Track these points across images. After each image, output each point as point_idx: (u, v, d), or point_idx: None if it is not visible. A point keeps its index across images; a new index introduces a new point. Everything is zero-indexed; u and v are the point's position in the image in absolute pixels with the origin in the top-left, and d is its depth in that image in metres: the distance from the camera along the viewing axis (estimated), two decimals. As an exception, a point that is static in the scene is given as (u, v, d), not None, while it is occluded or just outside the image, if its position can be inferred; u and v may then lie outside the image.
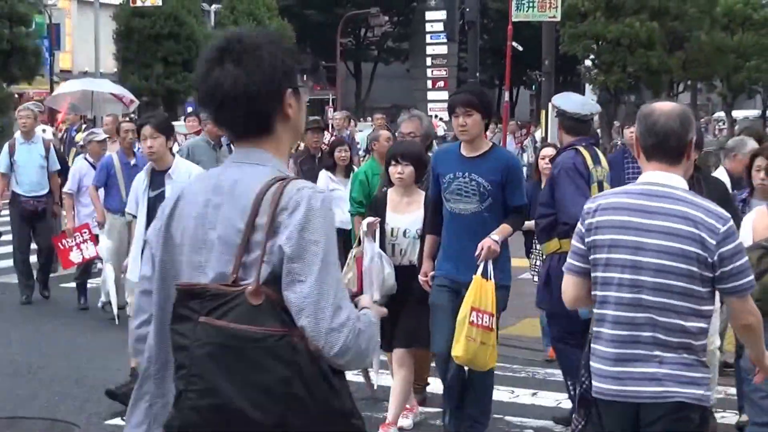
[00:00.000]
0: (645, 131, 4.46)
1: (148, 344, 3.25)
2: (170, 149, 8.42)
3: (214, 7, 47.71)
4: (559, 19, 25.25)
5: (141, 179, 8.42)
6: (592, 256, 4.41)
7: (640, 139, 4.49)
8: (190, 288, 3.04)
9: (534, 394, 8.58)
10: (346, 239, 9.04)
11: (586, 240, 4.41)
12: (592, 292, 4.45)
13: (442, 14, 46.06)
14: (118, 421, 7.86)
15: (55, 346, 10.27)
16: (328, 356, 2.97)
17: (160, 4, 34.78)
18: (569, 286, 4.57)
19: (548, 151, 9.48)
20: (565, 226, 7.36)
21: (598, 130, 28.92)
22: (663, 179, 4.37)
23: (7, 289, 12.89)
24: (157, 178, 8.28)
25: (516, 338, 10.26)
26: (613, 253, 4.34)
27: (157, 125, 8.23)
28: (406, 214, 7.54)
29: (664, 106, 4.48)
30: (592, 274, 4.43)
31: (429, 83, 55.63)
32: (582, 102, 7.92)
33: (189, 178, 8.08)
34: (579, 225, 4.48)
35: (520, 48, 27.31)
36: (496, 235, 6.74)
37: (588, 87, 31.40)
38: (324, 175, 10.92)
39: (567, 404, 7.99)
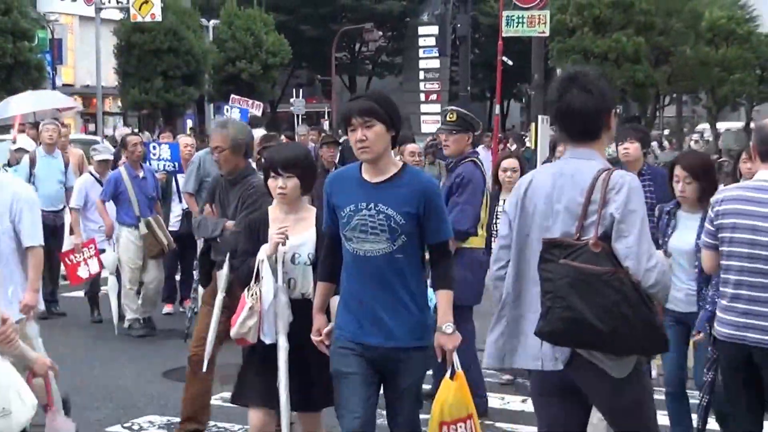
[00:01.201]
0: (759, 140, 5.63)
1: (506, 282, 4.71)
2: None
3: (212, 22, 47.71)
4: (548, 34, 25.24)
5: None
6: (719, 235, 5.60)
7: (756, 146, 5.65)
8: (553, 241, 4.50)
9: (524, 400, 8.54)
10: None
11: (715, 223, 5.62)
12: (720, 261, 5.63)
13: (434, 29, 46.16)
14: (118, 428, 7.85)
15: (54, 355, 10.21)
16: (645, 287, 4.37)
17: (160, 19, 34.74)
18: (706, 258, 5.84)
19: (511, 163, 8.98)
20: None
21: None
22: None
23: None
24: None
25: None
26: (735, 233, 5.51)
27: None
28: (294, 236, 5.85)
29: None
30: (720, 248, 5.61)
31: (422, 96, 55.73)
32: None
33: (11, 194, 6.64)
34: (710, 211, 5.70)
35: (510, 62, 27.38)
36: (448, 327, 5.23)
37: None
38: None
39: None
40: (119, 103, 43.51)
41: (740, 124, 55.27)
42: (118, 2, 39.53)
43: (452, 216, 8.04)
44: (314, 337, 5.52)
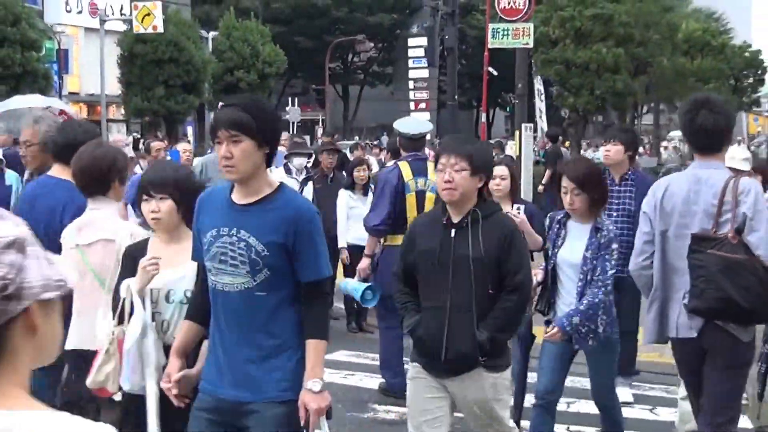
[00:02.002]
0: None
1: (654, 270, 5.51)
2: None
3: (211, 34, 47.69)
4: (531, 46, 25.29)
5: None
6: None
7: None
8: (701, 235, 5.24)
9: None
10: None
11: None
12: None
13: (423, 41, 46.12)
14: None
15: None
16: None
17: (162, 31, 34.72)
18: None
19: (499, 171, 7.47)
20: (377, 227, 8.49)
21: (567, 151, 28.99)
22: None
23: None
24: None
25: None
26: None
27: None
28: (170, 269, 4.63)
29: None
30: None
31: (411, 105, 55.75)
32: (413, 124, 8.87)
33: None
34: None
35: (495, 73, 27.40)
36: (315, 383, 4.12)
37: (541, 108, 31.32)
38: (344, 193, 10.88)
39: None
40: (122, 111, 43.45)
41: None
42: (121, 14, 39.64)
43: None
44: (162, 384, 4.39)
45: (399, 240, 8.40)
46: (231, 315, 4.21)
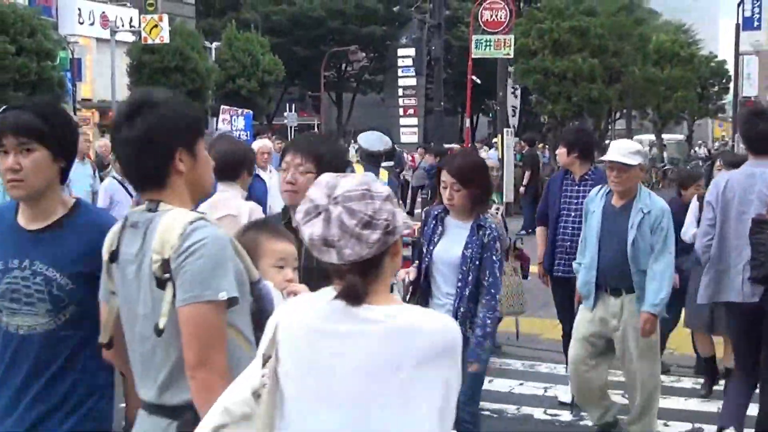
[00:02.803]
0: None
1: (712, 248, 6.19)
2: None
3: (214, 44, 47.70)
4: (512, 56, 25.40)
5: None
6: None
7: None
8: (759, 218, 5.81)
9: (490, 381, 8.55)
10: None
11: None
12: None
13: (411, 51, 46.21)
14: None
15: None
16: None
17: (168, 41, 34.76)
18: None
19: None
20: None
21: (541, 153, 29.07)
22: None
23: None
24: None
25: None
26: None
27: None
28: None
29: None
30: None
31: (401, 111, 55.76)
32: (373, 140, 8.42)
33: None
34: None
35: (479, 81, 27.44)
36: None
37: (515, 105, 31.36)
38: None
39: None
40: (131, 116, 43.40)
41: (682, 136, 55.67)
42: (131, 26, 39.67)
43: None
44: None
45: None
46: (28, 361, 3.18)
